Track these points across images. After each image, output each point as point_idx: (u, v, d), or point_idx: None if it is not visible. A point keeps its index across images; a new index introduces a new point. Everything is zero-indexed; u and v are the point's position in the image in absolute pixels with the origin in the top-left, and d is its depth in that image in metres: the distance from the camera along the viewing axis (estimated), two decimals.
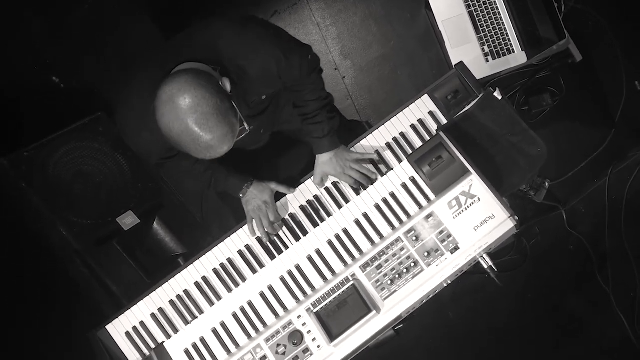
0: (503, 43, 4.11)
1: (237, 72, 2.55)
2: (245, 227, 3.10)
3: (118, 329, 3.04)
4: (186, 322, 3.01)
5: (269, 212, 3.05)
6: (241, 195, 3.10)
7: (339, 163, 3.05)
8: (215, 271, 3.06)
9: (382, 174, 3.06)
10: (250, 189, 3.08)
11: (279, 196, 3.13)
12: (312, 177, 3.12)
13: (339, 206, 3.06)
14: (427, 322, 4.27)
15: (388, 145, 3.13)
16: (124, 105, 2.67)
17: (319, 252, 2.90)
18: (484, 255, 2.74)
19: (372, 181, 3.06)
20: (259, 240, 3.08)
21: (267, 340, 2.75)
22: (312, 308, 2.76)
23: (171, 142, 2.32)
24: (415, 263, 2.73)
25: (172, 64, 2.41)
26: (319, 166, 3.09)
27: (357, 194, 3.04)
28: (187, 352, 2.85)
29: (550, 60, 4.34)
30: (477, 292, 4.26)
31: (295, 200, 3.11)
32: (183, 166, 3.04)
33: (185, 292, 3.05)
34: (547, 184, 3.42)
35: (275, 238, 3.06)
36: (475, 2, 4.13)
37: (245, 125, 2.46)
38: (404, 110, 3.16)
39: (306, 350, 2.71)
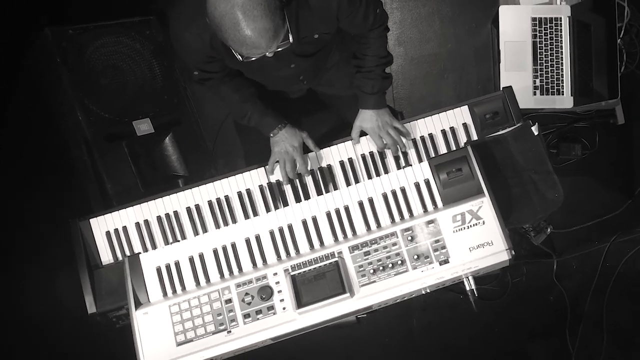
0: (555, 82, 4.09)
1: None
2: (253, 172, 3.12)
3: (100, 225, 3.06)
4: (166, 242, 3.04)
5: (296, 157, 3.07)
6: (271, 135, 3.11)
7: (378, 123, 3.07)
8: (210, 203, 3.08)
9: (400, 167, 3.06)
10: (282, 131, 3.09)
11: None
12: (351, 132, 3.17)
13: (348, 184, 3.08)
14: (389, 320, 4.27)
15: (414, 141, 3.15)
16: (179, 3, 2.69)
17: (314, 220, 2.89)
18: (470, 277, 2.74)
19: (400, 151, 3.11)
20: (261, 188, 3.11)
21: (238, 285, 2.74)
22: (290, 270, 2.74)
23: (213, 25, 2.32)
24: (402, 262, 2.72)
25: None
26: (358, 120, 3.12)
27: (369, 177, 3.06)
28: (158, 270, 2.84)
29: (592, 114, 4.33)
30: (447, 308, 4.26)
31: (309, 163, 3.12)
32: (223, 91, 3.05)
33: (175, 213, 3.07)
34: (549, 229, 3.40)
35: (277, 193, 3.09)
36: (543, 35, 4.10)
37: (290, 37, 2.44)
38: (440, 114, 3.17)
39: (271, 307, 2.71)
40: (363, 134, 3.15)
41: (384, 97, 3.12)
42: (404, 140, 3.12)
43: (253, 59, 2.42)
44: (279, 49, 2.43)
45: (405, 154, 3.12)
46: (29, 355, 3.38)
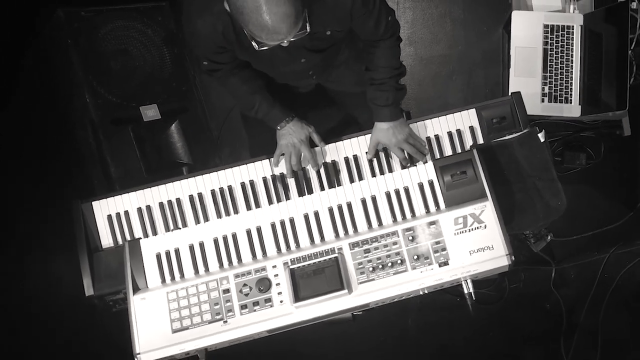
0: (564, 90, 4.09)
1: None
2: (257, 163, 3.13)
3: (102, 208, 3.07)
4: (167, 229, 3.05)
5: (303, 150, 3.07)
6: (278, 128, 3.12)
7: (396, 135, 3.05)
8: (213, 193, 3.09)
9: (404, 167, 3.06)
10: (290, 124, 3.10)
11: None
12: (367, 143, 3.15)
13: (352, 180, 3.08)
14: (385, 319, 4.27)
15: None
16: None
17: (316, 215, 2.89)
18: (468, 280, 2.74)
19: (423, 159, 3.09)
20: (265, 180, 3.11)
21: (237, 276, 2.74)
22: (289, 263, 2.74)
23: (234, 8, 2.32)
24: (402, 261, 2.71)
25: None
26: (375, 133, 3.10)
27: (373, 175, 3.06)
28: (158, 256, 2.84)
29: (599, 124, 4.33)
30: (443, 310, 4.26)
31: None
32: (231, 83, 3.05)
33: (178, 200, 3.08)
34: (549, 237, 3.40)
35: (280, 185, 3.09)
36: (554, 42, 4.10)
37: (308, 26, 2.45)
38: (447, 115, 3.17)
39: (268, 300, 2.71)
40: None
41: (398, 108, 3.09)
42: (426, 148, 3.12)
43: (267, 47, 2.42)
44: (296, 38, 2.42)
45: (411, 157, 3.12)
46: (26, 333, 3.38)
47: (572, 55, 4.11)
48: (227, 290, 2.74)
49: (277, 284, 2.73)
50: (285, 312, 2.70)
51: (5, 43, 3.51)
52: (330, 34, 2.79)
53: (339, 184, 3.07)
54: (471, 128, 3.14)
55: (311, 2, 2.53)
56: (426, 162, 3.05)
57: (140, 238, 2.90)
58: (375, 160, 3.12)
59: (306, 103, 3.44)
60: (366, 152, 3.14)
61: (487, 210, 2.75)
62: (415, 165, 2.98)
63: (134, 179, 3.59)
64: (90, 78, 3.57)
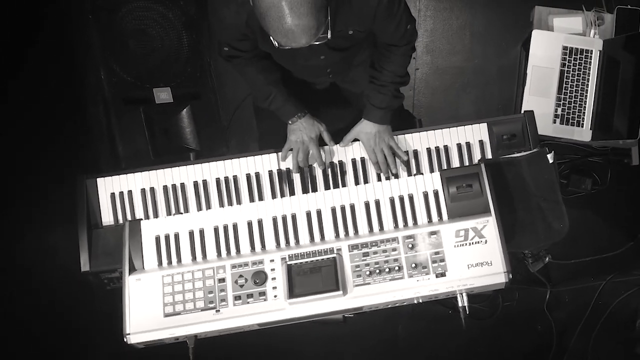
0: (576, 114, 4.08)
1: None
2: (264, 156, 3.12)
3: (107, 186, 3.07)
4: (169, 213, 3.05)
5: (312, 148, 3.08)
6: (290, 123, 3.11)
7: (375, 139, 3.07)
8: (217, 181, 3.08)
9: (410, 174, 3.06)
10: (302, 120, 3.10)
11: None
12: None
13: (357, 182, 3.08)
14: (375, 323, 4.26)
15: (428, 150, 3.14)
16: None
17: (318, 213, 2.89)
18: (463, 294, 2.73)
19: (386, 174, 3.10)
20: (270, 173, 3.11)
21: (234, 266, 2.74)
22: (287, 259, 2.74)
23: (258, 12, 2.31)
24: (399, 268, 2.71)
25: None
26: (358, 127, 3.13)
27: (379, 179, 3.07)
28: (157, 239, 2.83)
29: (608, 151, 4.31)
30: (434, 321, 4.25)
31: (323, 155, 3.13)
32: (249, 71, 3.05)
33: (182, 185, 3.08)
34: (547, 259, 3.40)
35: (285, 180, 3.09)
36: (572, 65, 4.09)
37: (329, 33, 2.45)
38: (458, 127, 3.16)
39: (263, 293, 2.70)
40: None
41: (389, 114, 3.11)
42: (398, 163, 3.14)
43: (288, 48, 2.43)
44: (317, 42, 2.43)
45: (408, 164, 3.13)
46: (21, 306, 3.38)
47: (588, 79, 4.10)
48: (222, 280, 2.73)
49: (273, 279, 2.72)
50: (278, 307, 2.69)
51: (26, 10, 3.51)
52: (352, 34, 2.79)
53: (344, 185, 3.08)
54: (481, 142, 3.14)
55: (337, 5, 2.53)
56: (389, 178, 3.09)
57: (141, 219, 2.89)
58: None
59: (320, 101, 3.44)
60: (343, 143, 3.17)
61: (489, 225, 2.74)
62: (389, 179, 3.03)
63: (140, 160, 3.60)
64: (107, 55, 3.59)
